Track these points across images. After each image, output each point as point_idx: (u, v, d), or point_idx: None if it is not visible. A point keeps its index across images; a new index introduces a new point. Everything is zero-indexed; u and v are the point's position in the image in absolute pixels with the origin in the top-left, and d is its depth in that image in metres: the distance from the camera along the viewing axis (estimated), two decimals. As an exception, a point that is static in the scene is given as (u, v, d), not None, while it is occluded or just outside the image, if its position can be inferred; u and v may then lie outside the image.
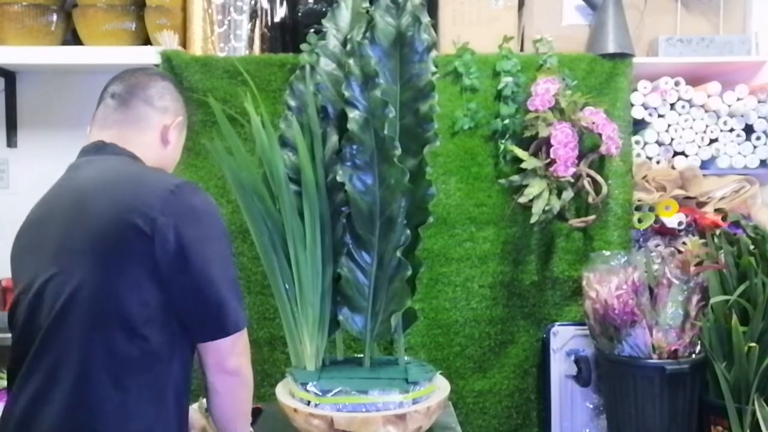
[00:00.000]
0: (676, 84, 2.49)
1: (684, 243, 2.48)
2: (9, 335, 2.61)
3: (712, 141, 2.51)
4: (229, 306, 1.40)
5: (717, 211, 2.49)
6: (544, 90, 2.31)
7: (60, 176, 1.52)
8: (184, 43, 2.53)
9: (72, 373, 1.32)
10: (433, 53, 1.88)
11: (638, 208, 2.49)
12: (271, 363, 2.39)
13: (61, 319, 1.34)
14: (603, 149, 2.31)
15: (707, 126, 2.50)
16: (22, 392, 1.36)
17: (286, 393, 1.86)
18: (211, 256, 1.38)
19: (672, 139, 2.50)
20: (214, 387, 1.43)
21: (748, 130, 2.52)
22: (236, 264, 2.39)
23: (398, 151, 1.76)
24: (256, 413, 2.04)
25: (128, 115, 1.52)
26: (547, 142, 2.31)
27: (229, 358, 1.42)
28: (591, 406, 2.42)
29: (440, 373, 1.96)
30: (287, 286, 1.87)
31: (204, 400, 1.59)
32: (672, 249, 2.48)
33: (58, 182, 1.51)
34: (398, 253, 1.81)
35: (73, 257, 1.36)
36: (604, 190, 2.37)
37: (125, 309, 1.33)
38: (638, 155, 2.49)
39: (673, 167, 2.50)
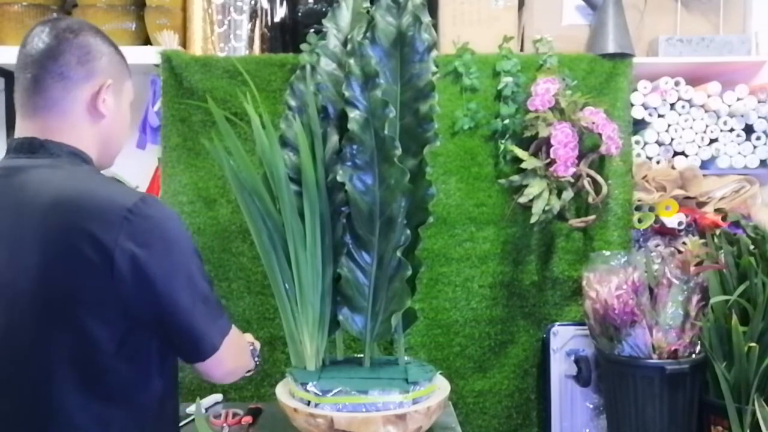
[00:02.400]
0: (676, 84, 2.49)
1: (684, 243, 2.49)
2: None
3: (712, 141, 2.51)
4: (201, 331, 1.31)
5: (717, 211, 2.49)
6: (544, 90, 2.31)
7: None
8: (184, 43, 2.53)
9: (43, 417, 1.21)
10: (434, 53, 1.88)
11: (638, 208, 2.49)
12: (271, 363, 2.39)
13: (18, 356, 1.21)
14: (603, 149, 2.31)
15: (707, 126, 2.50)
16: None
17: (286, 393, 1.86)
18: (174, 287, 1.25)
19: (672, 139, 2.50)
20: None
21: (748, 130, 2.52)
22: (236, 264, 2.40)
23: (398, 151, 1.76)
24: (256, 413, 2.05)
25: (45, 98, 1.28)
26: (547, 142, 2.31)
27: (215, 373, 1.40)
28: (591, 406, 2.42)
29: (440, 373, 1.96)
30: (287, 286, 1.87)
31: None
32: (672, 249, 2.48)
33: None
34: (398, 253, 1.81)
35: (19, 294, 1.20)
36: (604, 190, 2.37)
37: (90, 345, 1.20)
38: (638, 155, 2.49)
39: (673, 167, 2.50)
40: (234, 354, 1.44)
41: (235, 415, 2.03)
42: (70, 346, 1.20)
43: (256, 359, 1.65)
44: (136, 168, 2.52)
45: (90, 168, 1.33)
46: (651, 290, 2.24)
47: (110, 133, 1.37)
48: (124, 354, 1.24)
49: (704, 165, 2.53)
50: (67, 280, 1.19)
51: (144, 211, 1.22)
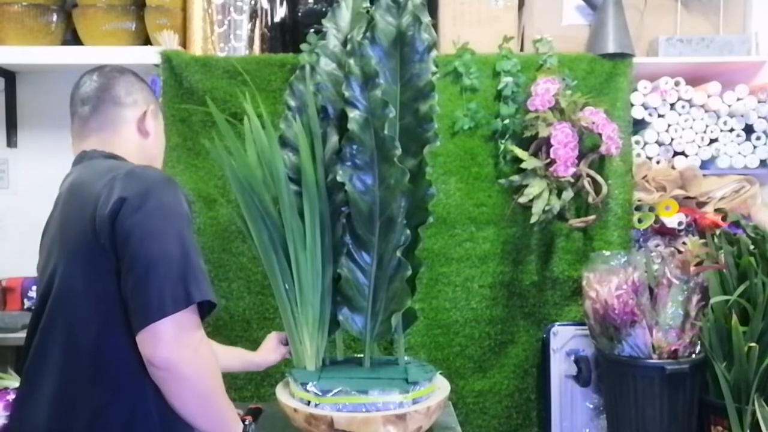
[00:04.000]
0: (676, 84, 2.49)
1: (684, 243, 2.49)
2: (9, 335, 2.63)
3: (712, 141, 2.51)
4: (155, 289, 1.27)
5: (717, 211, 2.49)
6: (544, 90, 2.31)
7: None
8: (184, 43, 2.53)
9: (54, 375, 1.35)
10: (434, 53, 1.88)
11: (638, 208, 2.49)
12: (271, 363, 2.39)
13: (49, 319, 1.39)
14: (603, 149, 2.31)
15: (707, 126, 2.50)
16: (18, 391, 1.44)
17: (286, 393, 1.86)
18: (140, 237, 1.29)
19: (672, 139, 2.50)
20: (155, 382, 1.31)
21: (748, 130, 2.52)
22: (236, 264, 2.40)
23: (398, 151, 1.76)
24: (256, 413, 2.04)
25: (102, 122, 1.53)
26: (547, 142, 2.31)
27: (156, 349, 1.26)
28: (591, 406, 2.42)
29: (440, 373, 1.96)
30: (287, 286, 1.86)
31: None
32: (672, 249, 2.48)
33: (58, 195, 1.53)
34: (398, 253, 1.81)
35: (54, 263, 1.40)
36: (604, 190, 2.37)
37: (96, 306, 1.33)
38: (638, 155, 2.49)
39: (673, 167, 2.51)
40: (188, 347, 1.29)
41: (235, 415, 2.03)
42: (77, 307, 1.35)
43: None
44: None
45: (115, 160, 1.50)
46: (651, 290, 2.24)
47: (153, 150, 1.60)
48: (121, 318, 1.33)
49: (704, 165, 2.53)
50: (76, 245, 1.36)
51: (137, 172, 1.39)
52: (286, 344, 1.96)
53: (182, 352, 1.28)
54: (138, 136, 1.56)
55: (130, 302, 1.30)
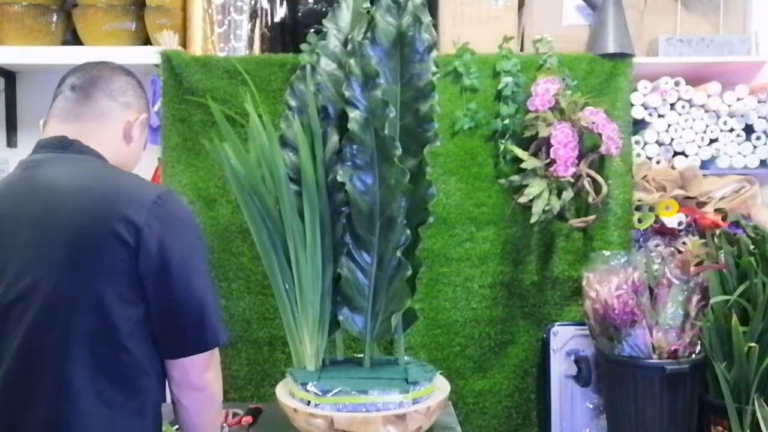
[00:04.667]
0: (676, 84, 2.49)
1: (684, 243, 2.48)
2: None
3: (712, 141, 2.51)
4: (209, 321, 1.39)
5: (717, 211, 2.49)
6: (544, 90, 2.31)
7: (15, 171, 1.42)
8: (184, 43, 2.53)
9: (51, 390, 1.28)
10: (434, 53, 1.88)
11: (638, 208, 2.49)
12: (271, 363, 2.39)
13: (39, 330, 1.29)
14: (603, 149, 2.31)
15: (707, 126, 2.50)
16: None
17: (286, 393, 1.86)
18: (192, 270, 1.37)
19: (672, 139, 2.50)
20: (180, 401, 1.42)
21: (748, 130, 2.52)
22: (236, 264, 2.40)
23: (398, 151, 1.76)
24: (256, 413, 2.04)
25: (92, 109, 1.46)
26: (547, 142, 2.31)
27: (198, 373, 1.40)
28: (591, 406, 2.42)
29: (440, 373, 1.96)
30: (287, 286, 1.87)
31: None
32: (672, 249, 2.48)
33: (19, 178, 1.39)
34: (398, 253, 1.81)
35: (48, 266, 1.29)
36: (604, 190, 2.37)
37: (109, 322, 1.30)
38: (638, 155, 2.49)
39: (673, 167, 2.50)
40: (218, 369, 1.45)
41: (235, 415, 2.03)
42: (89, 323, 1.29)
43: None
44: (135, 168, 2.51)
45: (113, 166, 1.47)
46: (651, 290, 2.24)
47: (130, 157, 1.54)
48: (138, 335, 1.33)
49: (704, 165, 2.53)
50: (95, 256, 1.30)
51: (170, 200, 1.38)
52: None
53: (211, 376, 1.42)
54: (121, 140, 1.50)
55: (167, 335, 1.37)
